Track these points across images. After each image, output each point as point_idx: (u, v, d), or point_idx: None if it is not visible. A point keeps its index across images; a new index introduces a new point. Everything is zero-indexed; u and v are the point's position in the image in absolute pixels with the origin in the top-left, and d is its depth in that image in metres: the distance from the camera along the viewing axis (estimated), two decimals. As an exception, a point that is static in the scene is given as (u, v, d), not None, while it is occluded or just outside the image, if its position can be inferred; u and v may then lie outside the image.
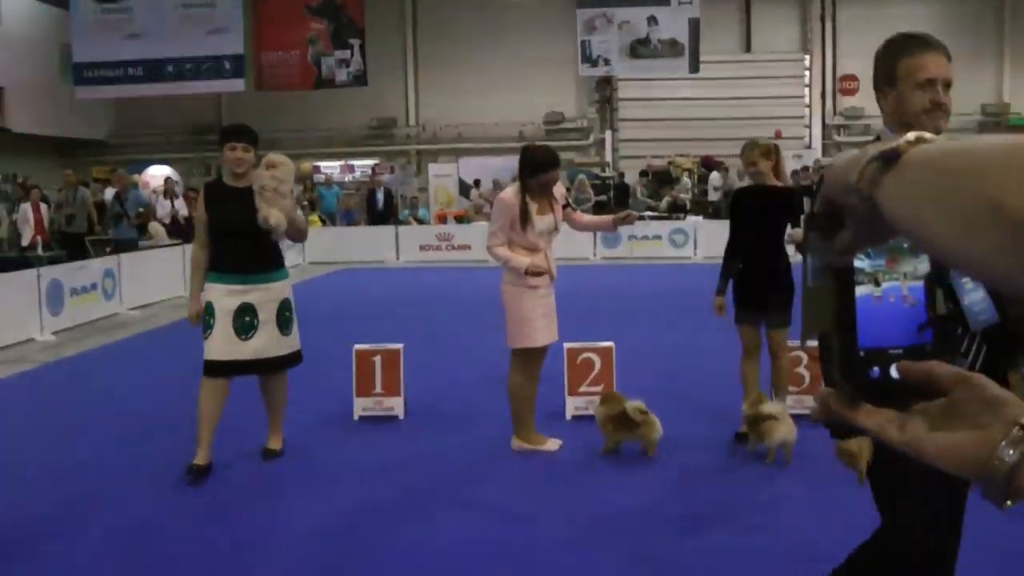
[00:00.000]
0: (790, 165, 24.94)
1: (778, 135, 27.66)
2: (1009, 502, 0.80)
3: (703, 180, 26.47)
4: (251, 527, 5.27)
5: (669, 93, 27.02)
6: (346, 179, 27.21)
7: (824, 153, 27.41)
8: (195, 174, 26.14)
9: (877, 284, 0.88)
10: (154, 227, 16.66)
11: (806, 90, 28.27)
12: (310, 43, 23.80)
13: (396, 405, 7.27)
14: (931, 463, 0.84)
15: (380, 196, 22.20)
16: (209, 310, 6.04)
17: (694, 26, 24.61)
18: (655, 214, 22.86)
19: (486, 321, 12.00)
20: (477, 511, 5.44)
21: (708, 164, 26.99)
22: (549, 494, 5.75)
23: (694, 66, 24.88)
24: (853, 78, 28.08)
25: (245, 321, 6.01)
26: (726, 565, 4.65)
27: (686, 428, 6.66)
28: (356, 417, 7.22)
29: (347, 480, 5.96)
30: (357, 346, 7.31)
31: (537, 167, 6.17)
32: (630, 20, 24.69)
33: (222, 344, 5.98)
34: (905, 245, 0.86)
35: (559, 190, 6.46)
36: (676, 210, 23.28)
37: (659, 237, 20.92)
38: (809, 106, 28.28)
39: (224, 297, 6.02)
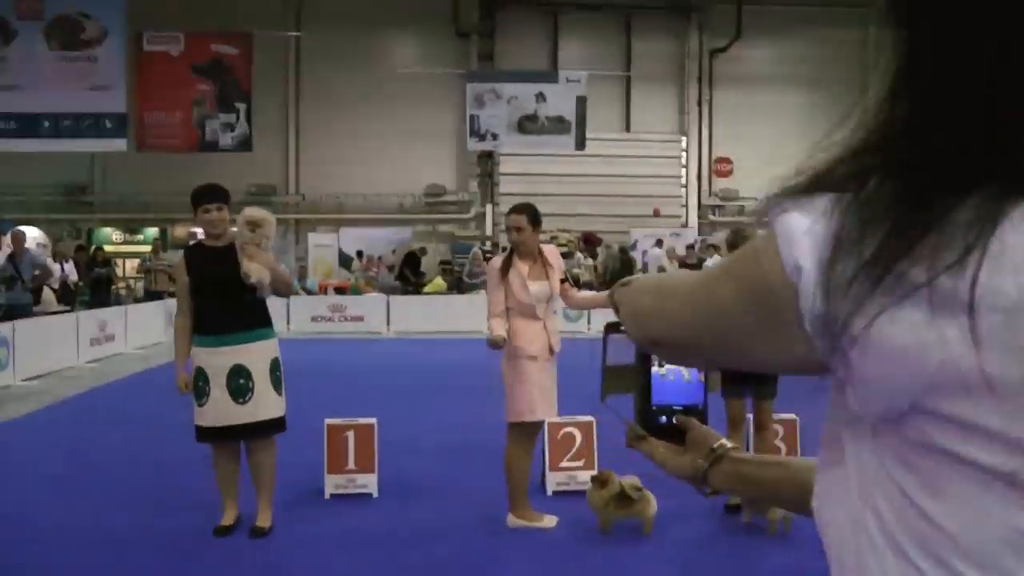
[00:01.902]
0: (668, 243, 25.52)
1: (656, 213, 28.38)
2: (708, 489, 1.35)
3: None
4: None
5: (550, 169, 27.32)
6: (224, 247, 26.42)
7: (700, 232, 28.12)
8: (64, 237, 24.95)
9: (660, 365, 1.40)
10: (45, 292, 15.74)
11: (683, 170, 29.03)
12: (195, 105, 23.13)
13: (370, 482, 6.91)
14: (670, 474, 1.41)
15: (267, 265, 21.54)
16: (201, 375, 5.85)
17: (581, 104, 25.08)
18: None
19: (428, 394, 11.83)
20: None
21: (588, 240, 27.32)
22: (558, 573, 5.51)
23: (580, 143, 25.31)
24: (727, 160, 29.05)
25: (239, 384, 5.81)
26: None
27: (675, 500, 6.48)
28: (328, 495, 6.83)
29: (343, 559, 5.60)
30: (328, 420, 6.94)
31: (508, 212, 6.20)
32: (518, 96, 24.99)
33: (218, 410, 5.80)
34: None
35: (557, 259, 6.35)
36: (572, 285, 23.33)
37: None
38: (686, 186, 29.04)
39: (214, 360, 5.83)
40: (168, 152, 23.70)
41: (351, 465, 6.88)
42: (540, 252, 6.27)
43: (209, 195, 5.99)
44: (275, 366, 5.99)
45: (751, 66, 28.75)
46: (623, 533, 6.04)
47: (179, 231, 26.87)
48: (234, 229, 6.01)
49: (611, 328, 1.40)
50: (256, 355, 5.89)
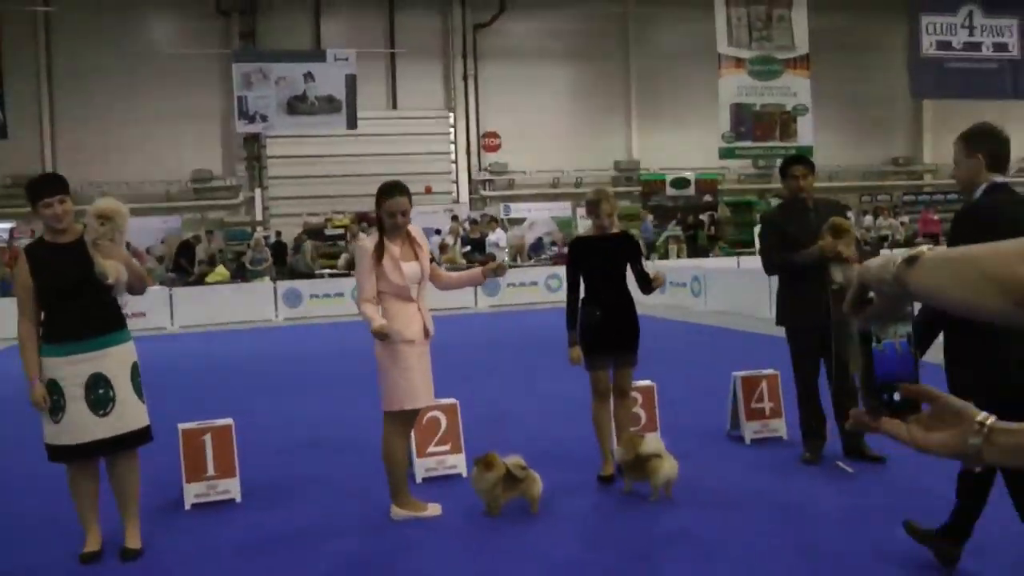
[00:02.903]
0: (443, 220, 25.58)
1: (428, 191, 28.31)
2: (978, 469, 1.58)
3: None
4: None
5: (319, 150, 26.82)
6: (-22, 245, 24.28)
7: (471, 207, 28.31)
8: None
9: (878, 341, 1.42)
10: None
11: (452, 146, 29.12)
12: (-62, 87, 21.13)
13: (232, 487, 6.51)
14: (929, 453, 1.38)
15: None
16: (55, 388, 5.29)
17: (351, 82, 24.72)
18: (335, 271, 22.48)
19: (260, 389, 11.24)
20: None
21: (365, 220, 26.99)
22: (461, 564, 5.37)
23: (352, 121, 24.96)
24: (495, 135, 29.35)
25: (100, 394, 5.32)
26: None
27: (550, 477, 6.44)
28: (188, 505, 6.39)
29: (229, 572, 5.26)
30: (183, 425, 6.50)
31: (381, 194, 5.98)
32: (286, 76, 24.33)
33: (77, 425, 5.28)
34: (900, 314, 1.42)
35: (423, 238, 6.19)
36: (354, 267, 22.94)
37: (341, 295, 20.55)
38: (456, 162, 29.13)
39: (69, 369, 5.29)
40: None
41: (211, 471, 6.47)
42: (408, 232, 6.08)
43: (49, 186, 5.41)
44: (135, 371, 5.52)
45: (515, 40, 29.12)
46: (511, 514, 5.97)
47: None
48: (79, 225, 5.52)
49: (849, 304, 1.44)
50: (115, 360, 5.40)
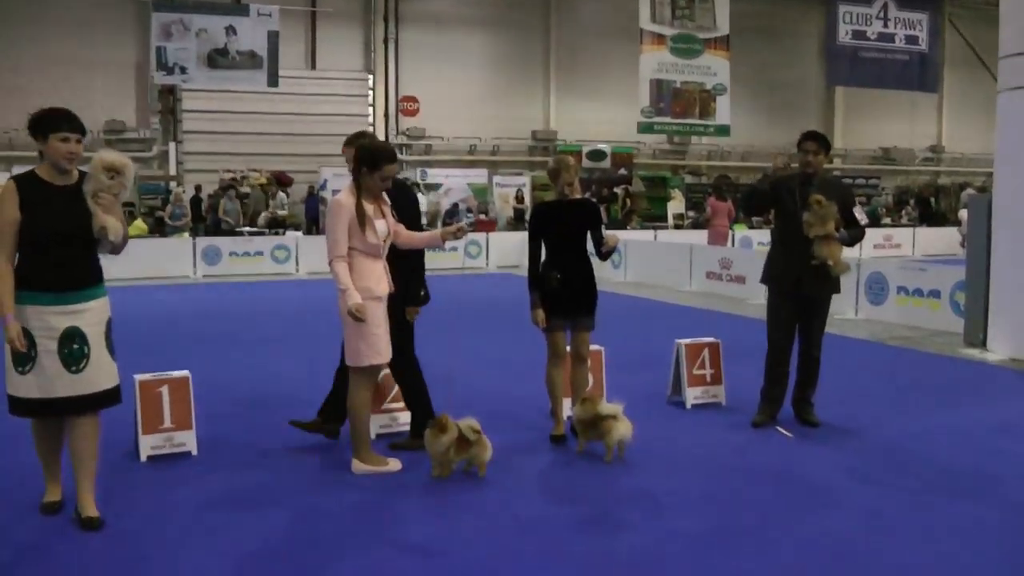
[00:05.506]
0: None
1: (345, 152, 28.06)
2: None
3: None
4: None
5: (235, 106, 26.39)
6: None
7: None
8: None
9: None
10: None
11: (370, 109, 28.93)
12: None
13: (188, 440, 6.50)
14: None
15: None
16: (27, 338, 4.98)
17: (273, 39, 24.39)
18: (254, 230, 22.22)
19: (192, 344, 11.14)
20: (377, 546, 5.03)
21: (280, 179, 26.74)
22: (426, 521, 5.45)
23: (273, 79, 24.67)
24: (413, 99, 29.23)
25: (74, 349, 5.05)
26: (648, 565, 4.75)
27: (502, 436, 6.55)
28: (144, 458, 6.36)
29: (200, 532, 5.27)
30: (139, 376, 6.45)
31: (380, 158, 5.96)
32: (208, 28, 23.86)
33: (46, 379, 5.02)
34: None
35: (386, 197, 6.22)
36: (275, 226, 22.78)
37: (261, 253, 20.35)
38: (373, 125, 28.92)
39: (46, 320, 5.00)
40: None
41: (167, 423, 6.44)
42: (378, 192, 6.13)
43: (70, 120, 5.03)
44: (109, 328, 5.28)
45: (436, 6, 29.06)
46: (469, 473, 6.09)
47: None
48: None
49: None
50: (93, 316, 5.15)
